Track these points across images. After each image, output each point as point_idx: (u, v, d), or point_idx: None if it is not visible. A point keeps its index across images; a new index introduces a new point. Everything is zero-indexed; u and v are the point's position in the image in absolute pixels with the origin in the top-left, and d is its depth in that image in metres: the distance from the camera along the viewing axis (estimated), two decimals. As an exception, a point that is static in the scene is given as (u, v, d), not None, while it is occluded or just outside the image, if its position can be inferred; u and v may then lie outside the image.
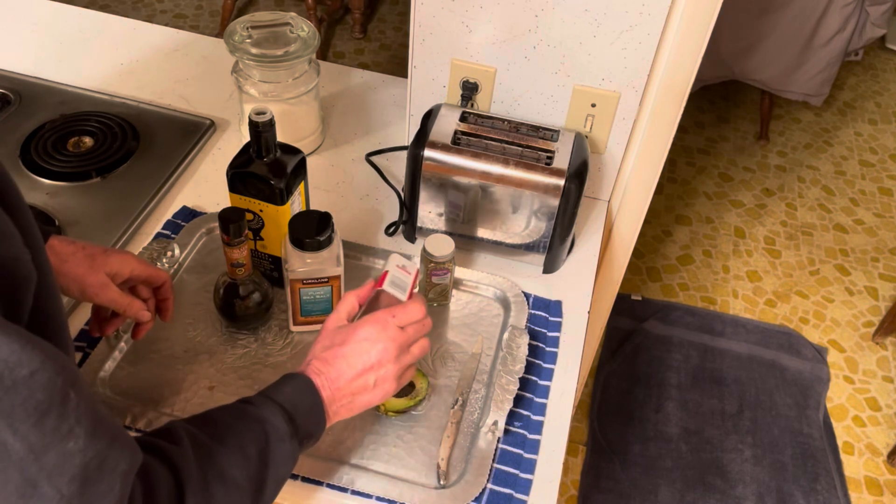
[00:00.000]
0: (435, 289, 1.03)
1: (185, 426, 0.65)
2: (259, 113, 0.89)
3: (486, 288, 1.07)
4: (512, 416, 0.91)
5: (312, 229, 0.89)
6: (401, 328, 0.78)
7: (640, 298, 2.34)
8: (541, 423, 0.93)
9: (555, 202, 1.02)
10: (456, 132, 1.04)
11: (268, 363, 0.96)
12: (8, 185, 0.56)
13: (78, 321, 0.98)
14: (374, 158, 1.24)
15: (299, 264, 0.91)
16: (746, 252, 2.53)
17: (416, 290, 0.89)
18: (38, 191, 1.14)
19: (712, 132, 2.99)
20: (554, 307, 1.06)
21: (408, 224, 1.12)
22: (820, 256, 2.54)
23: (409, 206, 1.10)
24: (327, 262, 0.91)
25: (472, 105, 1.16)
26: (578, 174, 1.01)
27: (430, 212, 1.08)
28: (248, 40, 1.14)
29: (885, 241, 2.62)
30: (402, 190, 1.13)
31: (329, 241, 0.90)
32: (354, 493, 0.84)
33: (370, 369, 0.76)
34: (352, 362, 0.75)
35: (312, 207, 1.11)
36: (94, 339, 0.95)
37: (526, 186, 1.01)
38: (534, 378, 0.97)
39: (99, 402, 0.54)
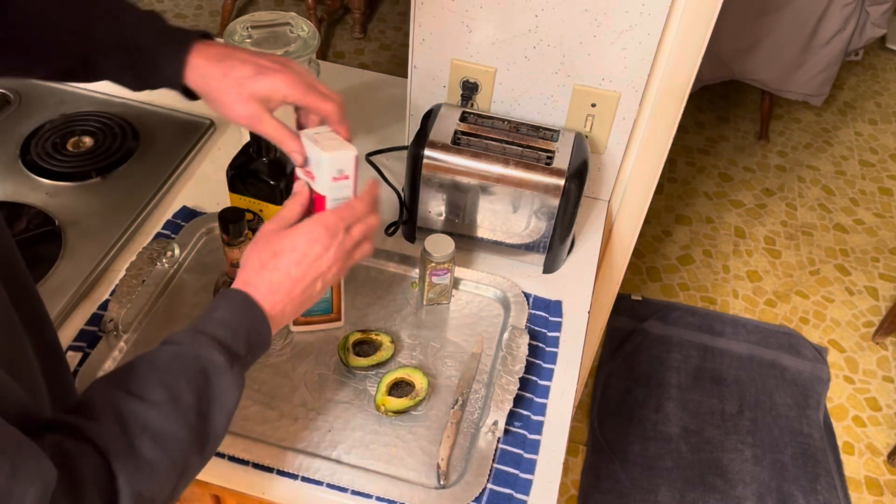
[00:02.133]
0: (435, 289, 1.03)
1: (106, 391, 0.59)
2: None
3: (486, 288, 1.07)
4: (512, 416, 0.91)
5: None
6: (346, 230, 0.74)
7: (640, 298, 2.34)
8: (541, 423, 0.93)
9: (555, 202, 1.02)
10: (456, 132, 1.04)
11: (268, 363, 0.96)
12: None
13: (78, 320, 0.98)
14: (374, 158, 1.24)
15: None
16: (746, 252, 2.53)
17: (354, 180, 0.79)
18: (38, 191, 1.14)
19: (712, 132, 2.99)
20: (554, 307, 1.06)
21: (408, 224, 1.12)
22: (820, 256, 2.54)
23: (409, 206, 1.10)
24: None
25: (472, 105, 1.16)
26: (578, 174, 1.01)
27: (430, 212, 1.08)
28: (248, 40, 1.14)
29: (885, 241, 2.62)
30: (402, 190, 1.13)
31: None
32: (354, 493, 0.84)
33: (319, 276, 0.72)
34: (305, 269, 0.71)
35: (312, 207, 1.10)
36: (94, 339, 0.95)
37: (526, 186, 1.01)
38: (534, 378, 0.97)
39: None
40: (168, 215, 1.12)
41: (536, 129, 1.06)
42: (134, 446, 0.56)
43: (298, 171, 0.80)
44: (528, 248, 1.09)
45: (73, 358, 0.93)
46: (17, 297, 0.59)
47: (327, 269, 0.73)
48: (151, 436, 0.58)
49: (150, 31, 0.73)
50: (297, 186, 0.78)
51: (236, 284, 0.71)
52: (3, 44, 0.71)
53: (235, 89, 0.73)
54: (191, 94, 0.77)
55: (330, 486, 0.84)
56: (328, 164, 0.74)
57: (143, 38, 0.73)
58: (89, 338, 0.95)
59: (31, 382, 0.58)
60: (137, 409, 0.58)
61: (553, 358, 1.00)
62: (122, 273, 1.01)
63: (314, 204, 0.80)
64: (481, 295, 1.07)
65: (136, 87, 0.76)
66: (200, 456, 0.63)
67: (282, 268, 0.71)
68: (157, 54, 0.73)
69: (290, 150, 0.76)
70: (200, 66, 0.73)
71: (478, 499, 0.84)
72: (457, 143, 1.03)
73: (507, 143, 1.03)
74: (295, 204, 0.77)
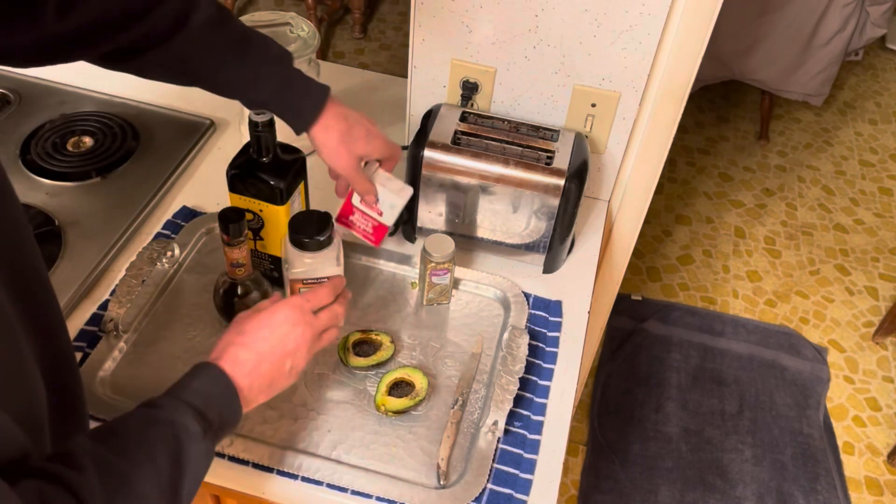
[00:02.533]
0: (435, 289, 1.03)
1: (88, 446, 0.59)
2: (259, 113, 0.89)
3: (486, 288, 1.07)
4: (512, 416, 0.91)
5: (312, 229, 0.89)
6: (314, 314, 0.80)
7: (640, 298, 2.34)
8: (541, 423, 0.93)
9: (555, 202, 1.02)
10: (456, 132, 1.04)
11: (268, 363, 0.96)
12: None
13: (78, 321, 0.98)
14: (374, 158, 1.24)
15: (299, 264, 0.90)
16: (746, 252, 2.53)
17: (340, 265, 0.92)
18: (38, 191, 1.14)
19: (712, 132, 2.99)
20: (554, 307, 1.06)
21: (408, 224, 1.12)
22: (820, 256, 2.54)
23: (409, 205, 1.09)
24: (327, 262, 0.91)
25: (472, 105, 1.16)
26: (578, 174, 1.01)
27: (430, 212, 1.08)
28: (248, 40, 1.14)
29: (885, 241, 2.62)
30: (402, 190, 1.13)
31: (329, 241, 0.90)
32: (354, 493, 0.84)
33: (288, 355, 0.76)
34: (273, 344, 0.75)
35: (312, 207, 1.11)
36: (94, 339, 0.95)
37: (526, 186, 1.01)
38: (534, 378, 0.97)
39: None
40: (168, 215, 1.12)
41: (536, 129, 1.06)
42: (111, 501, 0.57)
43: (356, 201, 0.99)
44: (528, 248, 1.09)
45: (73, 358, 0.93)
46: (20, 300, 0.58)
47: (295, 347, 0.77)
48: (127, 494, 0.58)
49: (297, 84, 0.87)
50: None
51: (213, 356, 0.74)
52: (181, 76, 0.86)
53: (346, 146, 0.89)
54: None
55: (330, 486, 0.84)
56: (400, 203, 0.98)
57: (289, 89, 0.87)
58: (89, 338, 0.95)
59: (27, 389, 0.58)
60: (119, 466, 0.59)
61: (553, 358, 1.00)
62: (122, 273, 1.01)
63: (377, 232, 1.00)
64: (481, 295, 1.07)
65: (282, 119, 0.90)
66: None
67: (249, 344, 0.74)
68: (300, 105, 0.88)
69: (368, 194, 0.95)
70: (328, 122, 0.89)
71: (478, 499, 0.84)
72: (457, 143, 1.03)
73: (507, 143, 1.03)
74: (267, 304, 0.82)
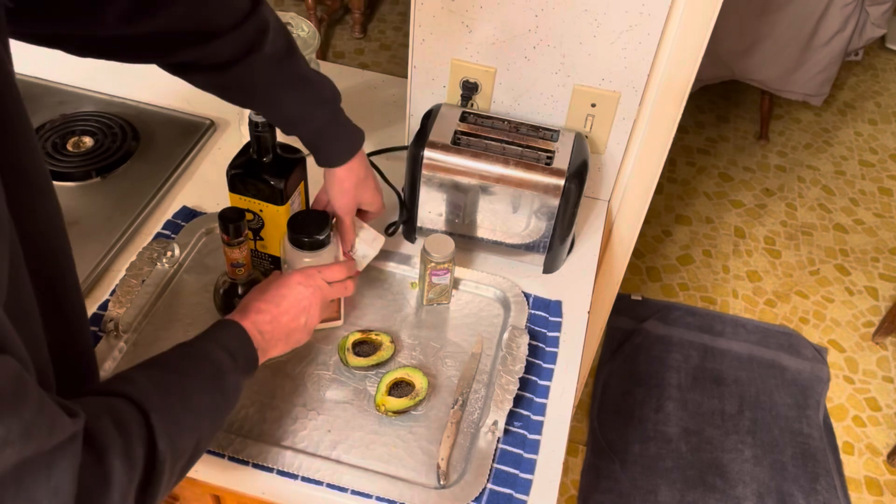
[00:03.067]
0: (435, 289, 1.03)
1: (134, 371, 0.66)
2: (259, 113, 0.89)
3: (486, 288, 1.07)
4: (512, 416, 0.91)
5: (312, 229, 0.89)
6: (326, 282, 0.87)
7: (640, 298, 2.34)
8: (541, 423, 0.93)
9: (555, 202, 1.02)
10: (456, 132, 1.04)
11: (267, 363, 0.96)
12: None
13: (78, 321, 0.98)
14: (374, 158, 1.24)
15: (298, 264, 0.91)
16: (746, 252, 2.53)
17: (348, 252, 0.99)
18: (38, 191, 1.14)
19: (712, 132, 2.99)
20: (554, 307, 1.06)
21: (408, 224, 1.12)
22: (820, 256, 2.54)
23: (409, 206, 1.10)
24: (326, 261, 0.91)
25: (472, 105, 1.16)
26: (578, 174, 1.01)
27: (430, 212, 1.08)
28: (248, 40, 1.14)
29: (885, 241, 2.62)
30: (402, 190, 1.13)
31: (328, 241, 0.90)
32: (354, 493, 0.84)
33: (303, 311, 0.83)
34: (290, 302, 0.82)
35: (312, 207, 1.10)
36: (94, 339, 0.95)
37: (526, 186, 1.01)
38: (534, 378, 0.97)
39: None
40: (168, 215, 1.12)
41: (536, 129, 1.06)
42: (168, 404, 0.62)
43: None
44: (528, 248, 1.09)
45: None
46: (49, 305, 0.58)
47: (309, 304, 0.84)
48: (183, 404, 0.64)
49: (341, 126, 0.92)
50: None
51: (236, 314, 0.80)
52: (235, 98, 0.89)
53: (357, 191, 0.94)
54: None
55: (330, 486, 0.84)
56: (372, 253, 1.01)
57: (333, 129, 0.91)
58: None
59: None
60: (168, 378, 0.66)
61: (553, 358, 1.00)
62: (122, 273, 1.01)
63: None
64: (481, 295, 1.07)
65: (311, 151, 0.94)
66: (206, 439, 0.68)
67: (269, 300, 0.81)
68: (338, 145, 0.92)
69: (348, 239, 0.98)
70: (353, 165, 0.93)
71: (478, 499, 0.84)
72: (457, 143, 1.03)
73: (507, 143, 1.03)
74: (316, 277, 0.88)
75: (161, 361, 0.69)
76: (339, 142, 0.92)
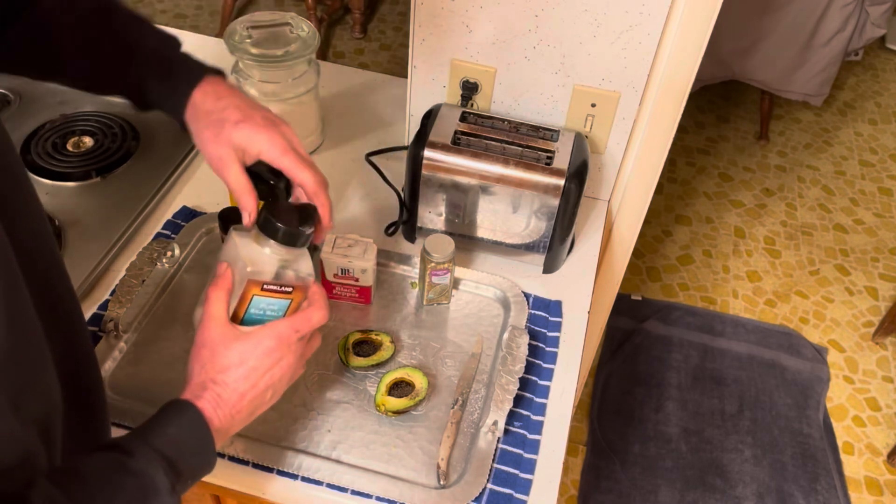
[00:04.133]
0: (435, 289, 1.03)
1: (45, 488, 0.54)
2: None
3: (486, 288, 1.07)
4: (512, 416, 0.91)
5: (293, 216, 0.73)
6: (301, 339, 0.72)
7: (640, 298, 2.34)
8: (541, 423, 0.93)
9: (555, 202, 1.02)
10: (456, 132, 1.04)
11: (268, 363, 0.96)
12: None
13: (78, 321, 0.98)
14: (374, 158, 1.24)
15: (264, 265, 0.72)
16: (746, 252, 2.53)
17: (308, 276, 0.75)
18: (38, 191, 1.13)
19: (712, 132, 2.99)
20: (554, 307, 1.06)
21: (408, 224, 1.12)
22: (820, 256, 2.54)
23: (409, 206, 1.10)
24: (303, 268, 0.74)
25: (472, 105, 1.16)
26: (578, 174, 1.01)
27: (430, 212, 1.08)
28: (248, 40, 1.14)
29: (885, 241, 2.62)
30: (402, 190, 1.13)
31: (309, 239, 0.75)
32: (354, 493, 0.84)
33: (270, 386, 0.70)
34: (254, 382, 0.68)
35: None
36: (95, 339, 0.95)
37: (526, 186, 1.01)
38: (534, 378, 0.97)
39: None
40: (168, 215, 1.12)
41: (536, 129, 1.06)
42: None
43: (329, 276, 0.95)
44: (528, 248, 1.09)
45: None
46: (45, 306, 0.57)
47: (279, 379, 0.71)
48: None
49: (169, 56, 0.76)
50: (219, 269, 0.71)
51: (186, 395, 0.67)
52: (41, 50, 0.74)
53: (215, 129, 0.72)
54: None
55: (330, 486, 0.84)
56: (369, 265, 0.91)
57: (163, 62, 0.75)
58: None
59: (44, 393, 0.56)
60: (80, 496, 0.55)
61: (553, 358, 1.00)
62: (122, 273, 1.01)
63: (362, 293, 1.00)
64: (481, 295, 1.07)
65: (143, 106, 0.79)
66: None
67: (231, 383, 0.67)
68: (174, 83, 0.75)
69: (242, 208, 0.73)
70: (197, 100, 0.74)
71: (478, 499, 0.84)
72: (457, 144, 1.03)
73: (507, 143, 1.03)
74: (221, 292, 0.70)
75: (79, 479, 0.57)
76: (177, 76, 0.75)
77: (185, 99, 0.74)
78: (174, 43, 0.78)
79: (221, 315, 0.69)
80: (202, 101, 0.74)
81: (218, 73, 0.77)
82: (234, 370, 0.67)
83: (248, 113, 0.73)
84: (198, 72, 0.75)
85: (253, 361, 0.68)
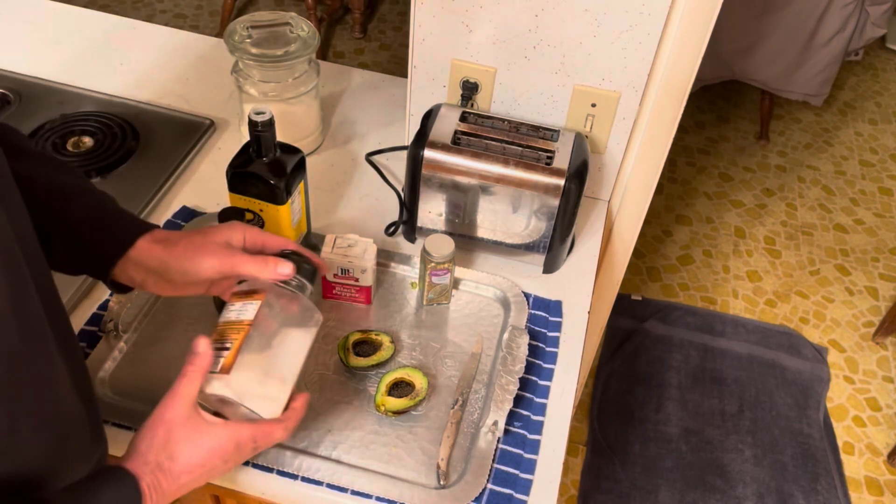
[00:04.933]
0: (435, 289, 1.03)
1: None
2: (259, 113, 0.89)
3: (486, 288, 1.07)
4: (512, 416, 0.91)
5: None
6: (254, 449, 0.72)
7: (640, 298, 2.34)
8: (541, 423, 0.92)
9: (555, 202, 1.02)
10: (456, 132, 1.04)
11: (268, 363, 0.96)
12: None
13: (78, 320, 0.98)
14: (374, 158, 1.24)
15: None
16: (746, 252, 2.53)
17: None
18: (38, 191, 1.14)
19: (712, 132, 2.99)
20: (554, 307, 1.06)
21: (408, 224, 1.12)
22: (820, 256, 2.54)
23: (409, 206, 1.10)
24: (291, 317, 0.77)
25: (472, 105, 1.16)
26: (578, 174, 1.01)
27: (430, 212, 1.08)
28: (248, 40, 1.14)
29: (885, 241, 2.62)
30: (402, 190, 1.13)
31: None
32: (354, 493, 0.84)
33: (207, 477, 0.70)
34: (196, 477, 0.68)
35: (312, 207, 1.11)
36: (94, 339, 0.95)
37: (526, 186, 1.01)
38: (534, 378, 0.97)
39: None
40: (168, 215, 1.12)
41: (536, 129, 1.06)
42: None
43: (329, 276, 0.98)
44: (528, 248, 1.09)
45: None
46: (49, 312, 0.57)
47: (219, 473, 0.70)
48: None
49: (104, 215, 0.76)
50: (198, 346, 0.70)
51: (131, 466, 0.65)
52: None
53: (195, 242, 0.74)
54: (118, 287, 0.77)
55: (330, 486, 0.84)
56: (369, 265, 0.94)
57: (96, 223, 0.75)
58: (89, 338, 0.95)
59: (55, 401, 0.56)
60: None
61: (553, 358, 1.00)
62: (122, 273, 1.01)
63: (361, 293, 1.01)
64: (481, 295, 1.07)
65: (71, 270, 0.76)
66: None
67: (175, 474, 0.66)
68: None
69: (274, 276, 0.74)
70: (157, 237, 0.75)
71: (478, 499, 0.84)
72: (457, 143, 1.03)
73: (507, 143, 1.03)
74: (197, 374, 0.69)
75: None
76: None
77: (127, 247, 0.74)
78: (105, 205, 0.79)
79: (190, 397, 0.68)
80: (155, 250, 0.74)
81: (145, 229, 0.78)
82: (183, 462, 0.67)
83: (201, 230, 0.77)
84: (137, 227, 0.77)
85: (202, 458, 0.67)
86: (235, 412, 0.72)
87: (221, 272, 0.74)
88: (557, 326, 1.03)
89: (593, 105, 1.11)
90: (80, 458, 0.63)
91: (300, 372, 0.75)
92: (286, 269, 0.74)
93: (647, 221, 1.45)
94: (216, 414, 0.71)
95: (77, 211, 0.75)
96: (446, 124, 1.05)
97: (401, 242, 1.13)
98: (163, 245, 0.74)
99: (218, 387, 0.69)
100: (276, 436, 0.72)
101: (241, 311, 0.73)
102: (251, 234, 0.77)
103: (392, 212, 1.16)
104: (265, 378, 0.72)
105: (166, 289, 0.75)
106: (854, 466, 2.00)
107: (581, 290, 1.09)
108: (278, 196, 0.93)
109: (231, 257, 0.73)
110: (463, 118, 1.07)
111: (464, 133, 1.04)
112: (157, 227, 0.77)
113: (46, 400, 0.56)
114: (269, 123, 0.90)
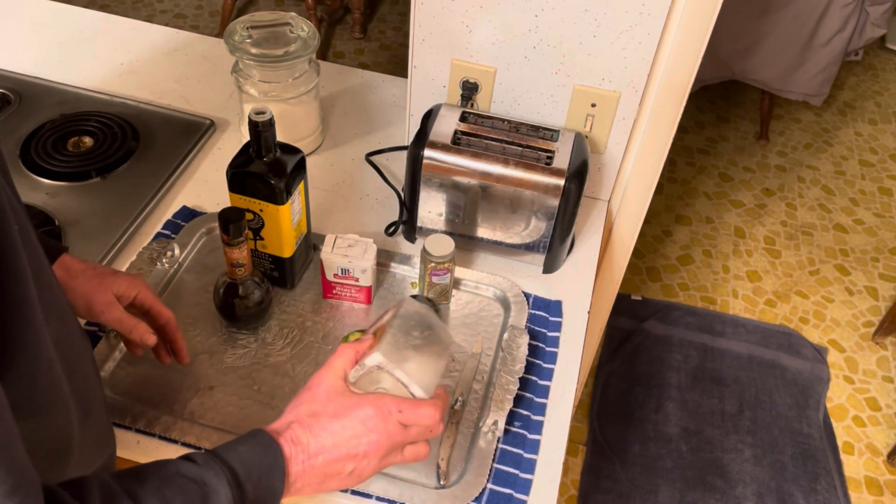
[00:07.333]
0: (435, 289, 1.03)
1: (104, 482, 0.55)
2: (259, 113, 0.89)
3: (486, 288, 1.07)
4: (512, 416, 0.91)
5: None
6: (403, 425, 0.69)
7: (640, 298, 2.34)
8: (541, 423, 0.93)
9: (555, 202, 1.02)
10: (456, 132, 1.04)
11: (267, 363, 0.96)
12: None
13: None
14: (374, 158, 1.24)
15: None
16: (746, 252, 2.53)
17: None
18: (38, 191, 1.14)
19: (712, 132, 2.99)
20: (554, 307, 1.06)
21: (408, 224, 1.12)
22: (820, 256, 2.54)
23: (409, 206, 1.10)
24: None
25: (472, 105, 1.16)
26: (578, 174, 1.01)
27: (430, 212, 1.08)
28: (248, 40, 1.14)
29: (885, 241, 2.62)
30: (402, 190, 1.13)
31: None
32: (354, 493, 0.84)
33: (352, 458, 0.67)
34: (338, 441, 0.66)
35: (312, 207, 1.11)
36: (94, 339, 0.95)
37: (526, 186, 1.01)
38: (534, 378, 0.97)
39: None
40: (168, 215, 1.12)
41: (536, 129, 1.06)
42: None
43: (329, 276, 1.00)
44: (528, 248, 1.09)
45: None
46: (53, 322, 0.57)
47: (364, 453, 0.67)
48: None
49: None
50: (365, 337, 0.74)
51: (274, 426, 0.67)
52: None
53: (96, 280, 0.84)
54: None
55: (330, 486, 0.84)
56: (368, 265, 0.98)
57: None
58: (89, 338, 0.95)
59: (60, 410, 0.56)
60: None
61: (553, 358, 1.00)
62: (122, 273, 1.01)
63: (361, 293, 1.02)
64: (481, 295, 1.07)
65: None
66: None
67: (317, 431, 0.66)
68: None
69: (137, 337, 0.85)
70: (66, 262, 0.83)
71: (478, 499, 0.84)
72: (457, 143, 1.03)
73: (507, 143, 1.03)
74: (351, 351, 0.72)
75: (140, 479, 0.57)
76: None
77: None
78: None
79: (340, 368, 0.71)
80: (72, 263, 0.84)
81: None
82: (323, 418, 0.67)
83: (113, 269, 0.88)
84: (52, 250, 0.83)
85: (346, 420, 0.67)
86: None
87: (103, 321, 0.84)
88: (557, 326, 1.03)
89: (593, 105, 1.11)
90: (94, 442, 0.64)
91: (434, 386, 0.75)
92: (149, 341, 0.85)
93: (646, 221, 1.45)
94: None
95: None
96: (446, 124, 1.05)
97: (401, 242, 1.13)
98: (64, 271, 0.83)
99: (373, 358, 0.70)
100: (423, 409, 0.69)
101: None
102: (143, 296, 0.87)
103: (392, 212, 1.16)
104: (411, 366, 0.73)
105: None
106: (854, 466, 2.00)
107: (581, 290, 1.09)
108: (278, 196, 0.93)
109: (111, 312, 0.84)
110: (463, 118, 1.07)
111: (464, 133, 1.04)
112: (65, 249, 0.85)
113: (76, 371, 0.58)
114: (270, 123, 0.90)
